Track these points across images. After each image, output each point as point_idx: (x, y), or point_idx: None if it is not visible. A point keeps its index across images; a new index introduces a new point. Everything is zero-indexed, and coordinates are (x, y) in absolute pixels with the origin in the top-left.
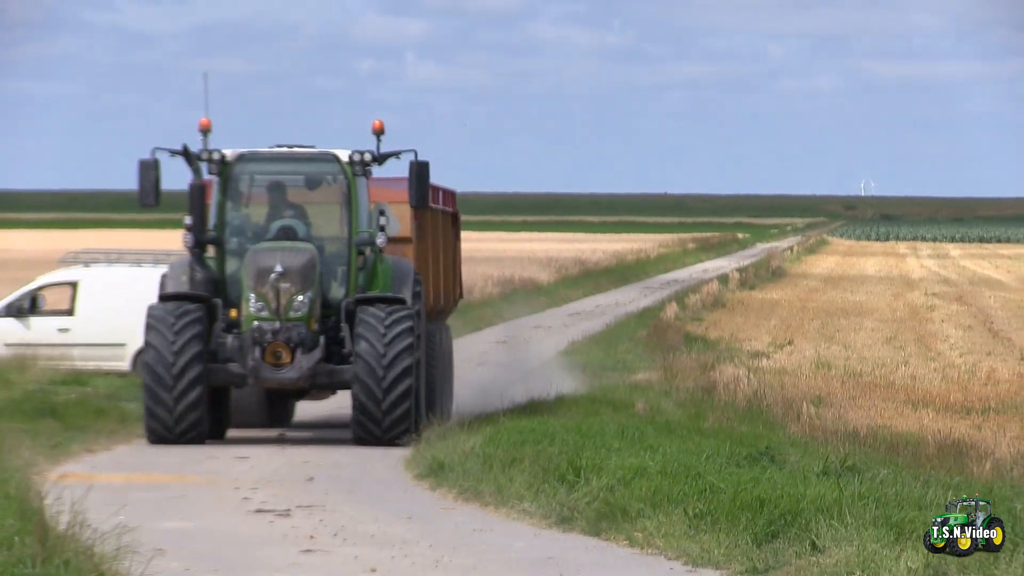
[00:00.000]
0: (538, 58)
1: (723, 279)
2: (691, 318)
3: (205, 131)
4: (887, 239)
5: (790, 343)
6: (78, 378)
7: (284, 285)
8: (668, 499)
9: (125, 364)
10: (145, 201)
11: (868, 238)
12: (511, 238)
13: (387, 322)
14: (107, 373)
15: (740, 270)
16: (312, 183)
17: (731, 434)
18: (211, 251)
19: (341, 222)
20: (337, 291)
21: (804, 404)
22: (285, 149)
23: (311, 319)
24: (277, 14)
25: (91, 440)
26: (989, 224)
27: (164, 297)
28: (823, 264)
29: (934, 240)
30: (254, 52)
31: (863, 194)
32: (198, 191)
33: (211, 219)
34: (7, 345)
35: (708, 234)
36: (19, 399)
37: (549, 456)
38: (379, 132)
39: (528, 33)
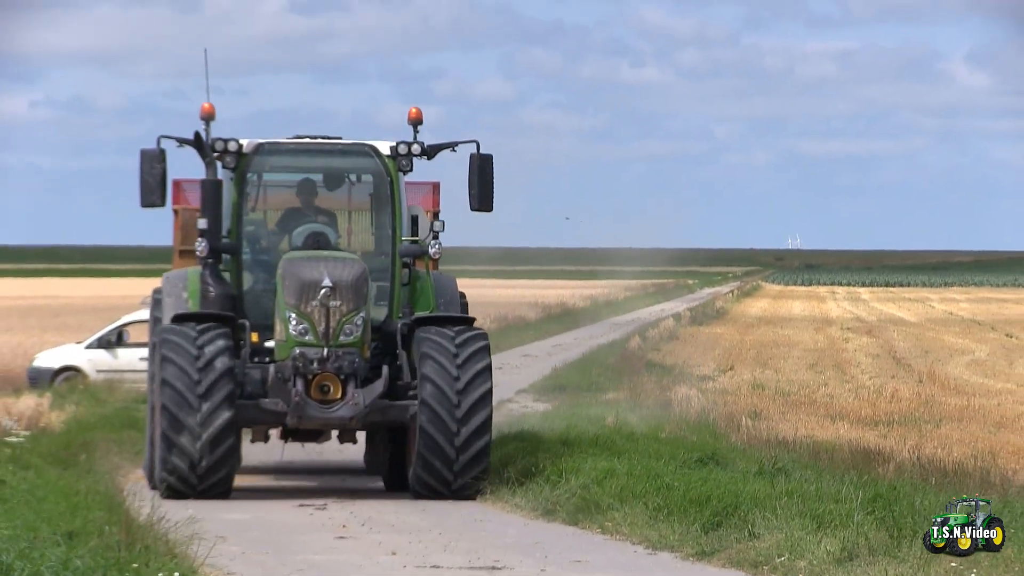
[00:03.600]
0: (528, 138)
1: (677, 317)
2: (651, 348)
3: (208, 118)
4: (810, 284)
5: (731, 368)
6: None
7: (334, 303)
8: (633, 495)
9: None
10: (148, 199)
11: (794, 284)
12: (506, 284)
13: (458, 342)
14: None
15: (690, 310)
16: (345, 181)
17: (684, 442)
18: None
19: (381, 228)
20: (376, 311)
21: (743, 418)
22: (312, 140)
23: (364, 344)
24: (318, 103)
25: None
26: (894, 272)
27: (180, 317)
28: (757, 305)
29: (849, 285)
30: (299, 133)
31: (790, 247)
32: (212, 188)
33: (224, 223)
34: (98, 371)
35: (664, 280)
36: (109, 415)
37: (536, 460)
38: (416, 121)
39: (520, 117)
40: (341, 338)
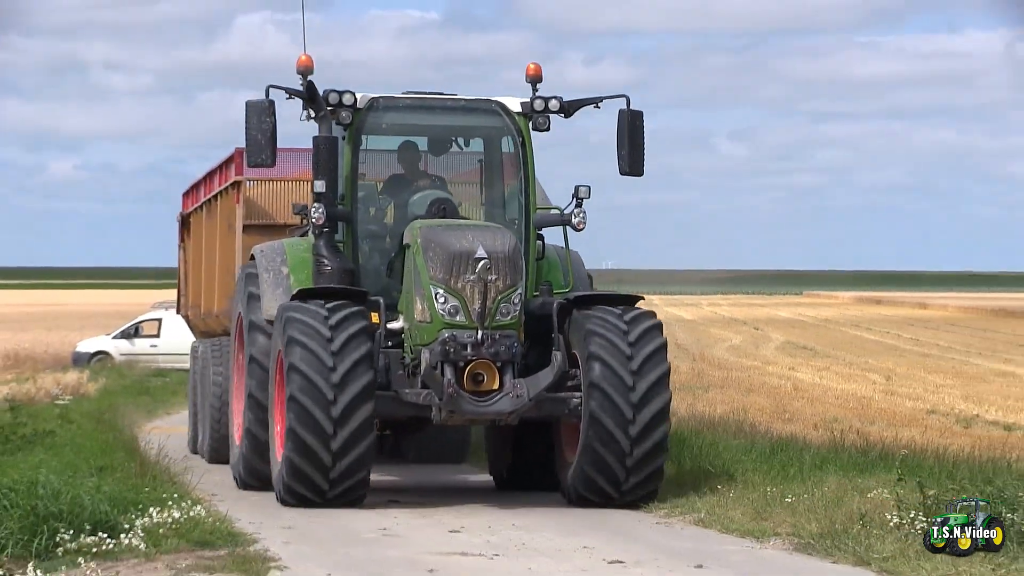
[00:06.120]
0: None
1: None
2: None
3: (305, 72)
4: None
5: None
6: (161, 373)
7: (491, 277)
8: None
9: (187, 364)
10: (257, 158)
11: None
12: None
13: (627, 319)
14: (177, 370)
15: None
16: (464, 141)
17: None
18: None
19: (512, 195)
20: None
21: None
22: (430, 96)
23: (520, 327)
24: None
25: (170, 407)
26: (677, 284)
27: (305, 293)
28: None
29: (647, 294)
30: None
31: (604, 268)
32: (328, 145)
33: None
34: (121, 355)
35: None
36: (128, 384)
37: None
38: (535, 79)
39: None
40: (498, 318)
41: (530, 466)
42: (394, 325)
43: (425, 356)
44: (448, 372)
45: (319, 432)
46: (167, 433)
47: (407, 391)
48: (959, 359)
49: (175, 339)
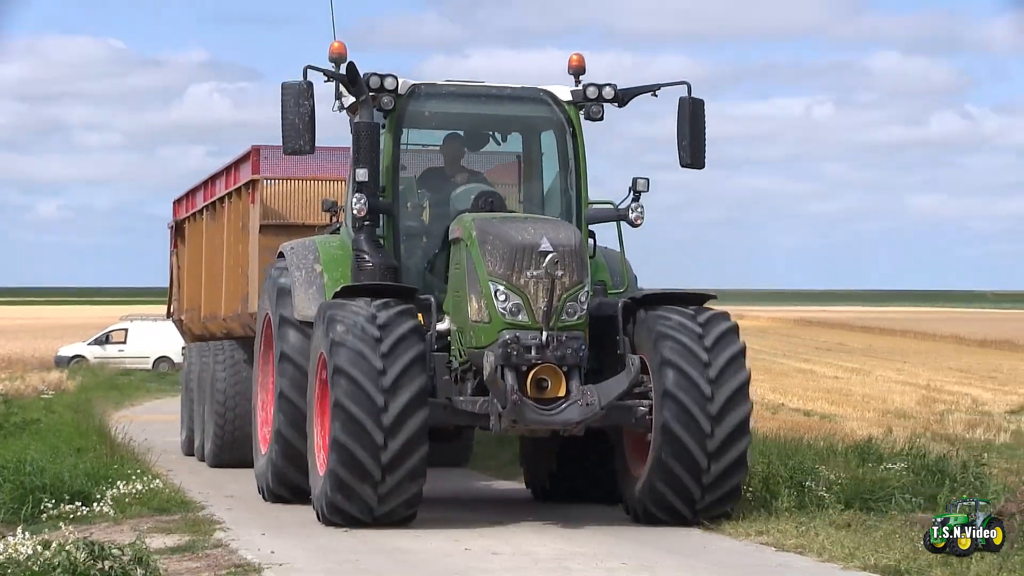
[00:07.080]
0: None
1: None
2: None
3: (338, 59)
4: None
5: None
6: (128, 373)
7: (559, 273)
8: None
9: (148, 365)
10: (295, 144)
11: None
12: None
13: (701, 321)
14: (140, 370)
15: None
16: (502, 137)
17: None
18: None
19: (551, 189)
20: None
21: None
22: (475, 84)
23: (586, 328)
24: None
25: (134, 400)
26: None
27: (350, 290)
28: None
29: None
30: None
31: None
32: (370, 132)
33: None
34: (95, 358)
35: None
36: (101, 381)
37: None
38: (578, 70)
39: None
40: (563, 318)
41: (576, 477)
42: (439, 326)
43: (489, 359)
44: (509, 377)
45: (368, 442)
46: (132, 420)
47: (461, 398)
48: (769, 359)
49: (139, 345)
